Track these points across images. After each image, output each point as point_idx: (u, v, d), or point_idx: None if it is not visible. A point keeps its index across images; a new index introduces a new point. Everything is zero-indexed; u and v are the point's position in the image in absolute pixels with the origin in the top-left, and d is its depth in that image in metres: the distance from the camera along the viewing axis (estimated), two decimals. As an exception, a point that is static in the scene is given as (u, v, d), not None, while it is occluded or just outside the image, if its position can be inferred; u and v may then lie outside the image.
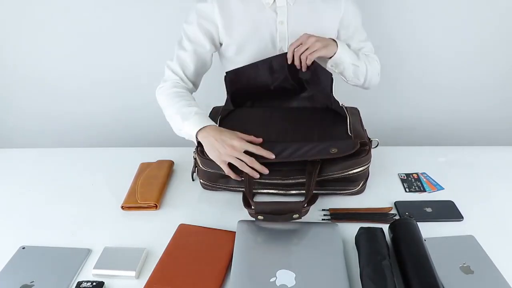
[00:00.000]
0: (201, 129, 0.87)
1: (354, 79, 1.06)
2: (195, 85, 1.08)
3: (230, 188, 0.91)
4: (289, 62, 0.96)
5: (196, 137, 0.88)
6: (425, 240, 0.72)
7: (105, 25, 1.47)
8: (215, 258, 0.72)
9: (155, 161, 1.03)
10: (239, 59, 1.07)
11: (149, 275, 0.69)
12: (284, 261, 0.69)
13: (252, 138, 0.85)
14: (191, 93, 1.05)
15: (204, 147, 0.86)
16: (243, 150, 0.82)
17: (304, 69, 0.96)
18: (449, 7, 1.41)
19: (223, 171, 0.85)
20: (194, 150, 0.91)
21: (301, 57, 0.94)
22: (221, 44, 1.09)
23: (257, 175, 0.82)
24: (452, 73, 1.56)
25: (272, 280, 0.65)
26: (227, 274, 0.70)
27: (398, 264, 0.69)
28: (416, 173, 0.99)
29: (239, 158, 0.82)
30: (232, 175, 0.84)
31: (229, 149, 0.81)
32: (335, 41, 0.98)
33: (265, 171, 0.82)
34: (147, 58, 1.52)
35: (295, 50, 0.94)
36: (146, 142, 1.62)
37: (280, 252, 0.71)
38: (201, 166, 0.89)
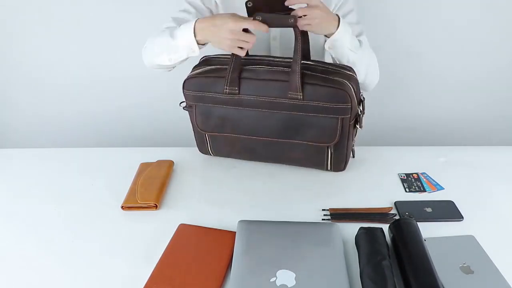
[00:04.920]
0: (195, 25, 0.87)
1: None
2: None
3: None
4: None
5: (195, 36, 0.87)
6: (425, 240, 0.72)
7: (105, 24, 1.47)
8: (215, 258, 0.72)
9: (155, 161, 1.03)
10: None
11: (149, 275, 0.69)
12: (284, 261, 0.69)
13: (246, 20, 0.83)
14: None
15: (210, 41, 0.88)
16: (241, 29, 0.82)
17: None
18: (450, 7, 1.41)
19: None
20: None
21: (299, 21, 0.84)
22: None
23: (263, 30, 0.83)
24: (452, 73, 1.56)
25: (272, 280, 0.65)
26: (227, 274, 0.70)
27: (398, 264, 0.69)
28: (416, 173, 0.99)
29: (241, 39, 0.82)
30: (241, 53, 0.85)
31: (229, 34, 0.82)
32: (338, 21, 0.89)
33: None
34: (147, 58, 1.52)
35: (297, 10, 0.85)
36: (146, 142, 1.62)
37: (280, 252, 0.71)
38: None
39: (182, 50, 0.91)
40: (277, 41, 1.04)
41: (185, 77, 0.93)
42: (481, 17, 1.43)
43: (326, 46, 0.94)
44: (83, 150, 1.13)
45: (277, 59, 0.91)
